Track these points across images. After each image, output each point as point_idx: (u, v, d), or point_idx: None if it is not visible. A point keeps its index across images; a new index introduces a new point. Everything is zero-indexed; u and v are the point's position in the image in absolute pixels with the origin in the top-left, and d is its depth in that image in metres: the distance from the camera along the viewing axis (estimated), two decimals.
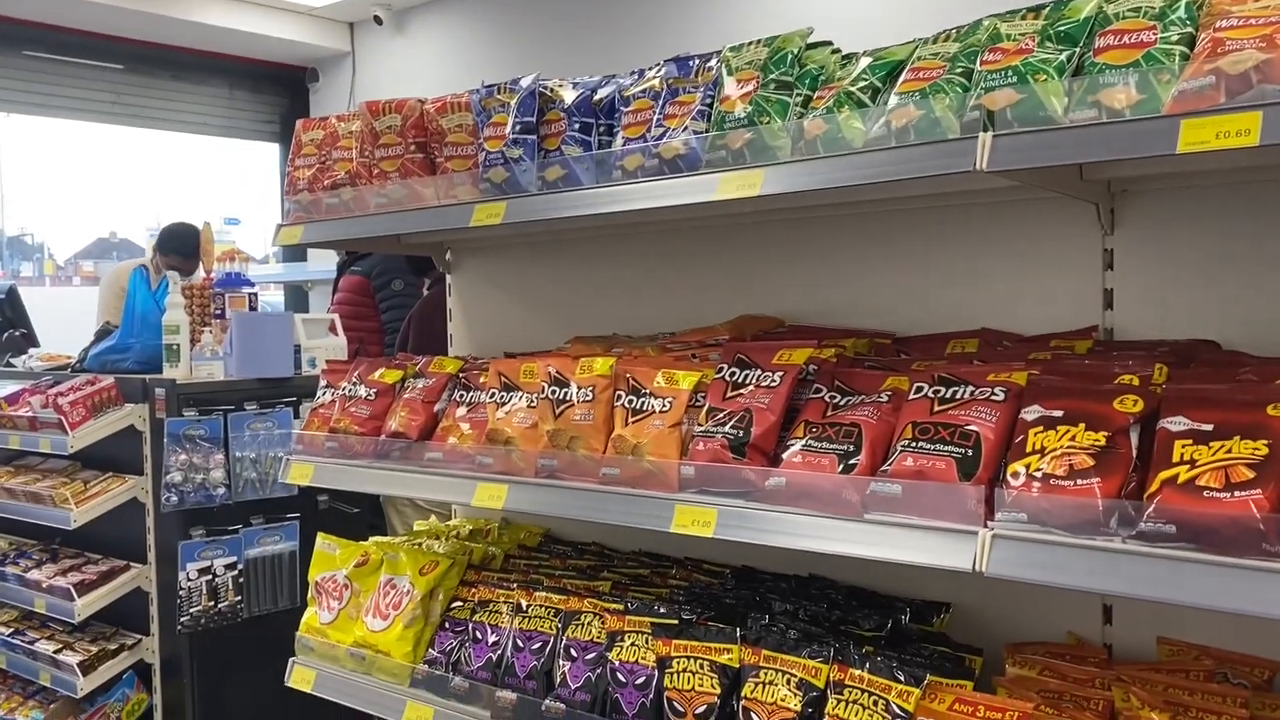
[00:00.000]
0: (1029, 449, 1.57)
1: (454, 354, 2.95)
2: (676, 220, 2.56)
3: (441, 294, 3.88)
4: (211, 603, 3.54)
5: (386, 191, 2.42)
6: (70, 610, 3.52)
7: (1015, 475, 1.56)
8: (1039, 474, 1.53)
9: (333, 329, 4.24)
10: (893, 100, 1.70)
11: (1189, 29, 1.48)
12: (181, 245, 5.85)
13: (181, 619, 3.47)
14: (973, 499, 1.56)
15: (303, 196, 2.62)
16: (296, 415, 3.74)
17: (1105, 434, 1.53)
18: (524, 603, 2.26)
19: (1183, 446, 1.46)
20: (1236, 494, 1.37)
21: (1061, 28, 1.58)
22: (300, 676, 2.53)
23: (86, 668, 3.56)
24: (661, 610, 2.04)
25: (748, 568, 2.40)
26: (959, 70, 1.66)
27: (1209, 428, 1.46)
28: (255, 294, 4.02)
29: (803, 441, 1.80)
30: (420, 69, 7.64)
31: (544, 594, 2.25)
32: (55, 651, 3.66)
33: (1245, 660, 1.81)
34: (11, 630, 3.90)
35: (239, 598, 3.61)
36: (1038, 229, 2.05)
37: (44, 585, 3.65)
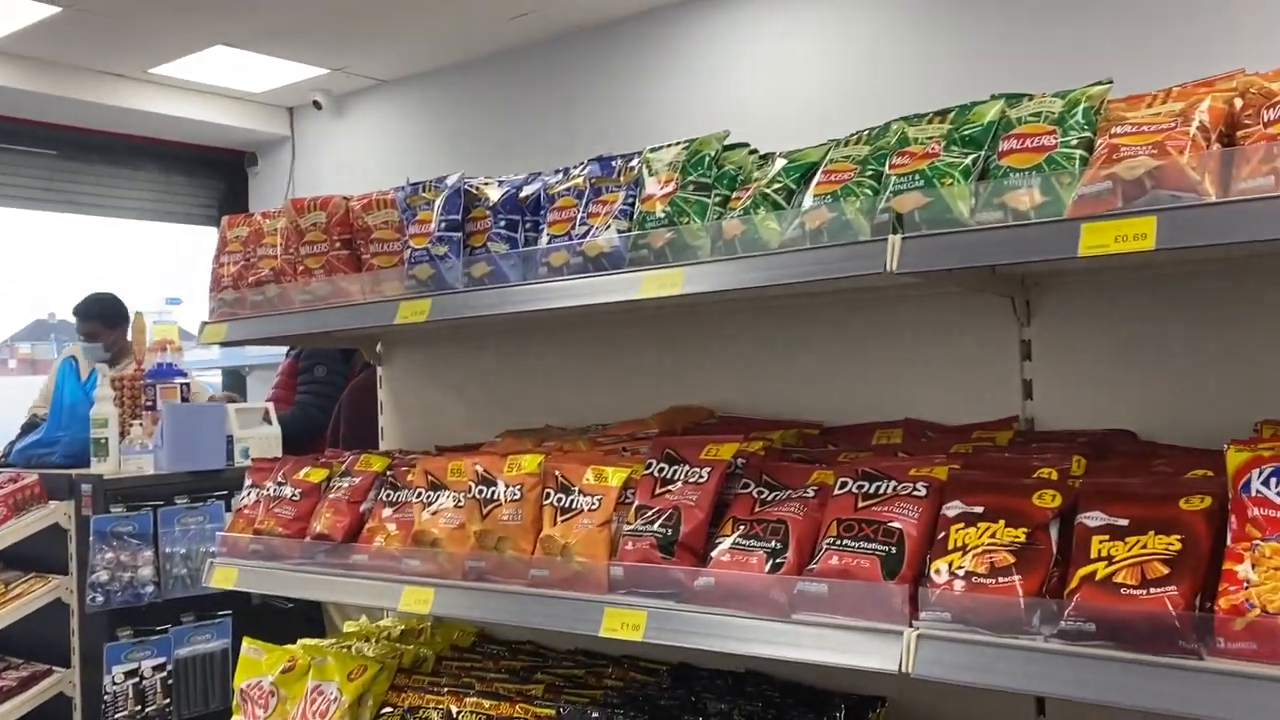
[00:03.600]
0: (951, 546, 1.57)
1: (385, 447, 2.91)
2: (607, 312, 2.56)
3: (370, 379, 3.86)
4: (139, 707, 3.42)
5: (311, 288, 2.40)
6: None
7: (938, 573, 1.55)
8: (961, 572, 1.53)
9: (266, 418, 4.18)
10: (807, 201, 1.73)
11: (1087, 133, 1.53)
12: (103, 310, 5.71)
13: None
14: (898, 598, 1.56)
15: (227, 293, 2.59)
16: (228, 508, 3.66)
17: (1025, 530, 1.54)
18: (454, 709, 2.20)
19: (1100, 542, 1.47)
20: (1152, 590, 1.38)
21: (966, 132, 1.62)
22: None
23: None
24: (595, 716, 2.00)
25: (684, 665, 2.36)
26: (869, 173, 1.69)
27: (1124, 522, 1.48)
28: (188, 384, 3.97)
29: (731, 539, 1.79)
30: (359, 153, 7.68)
31: (475, 699, 2.20)
32: None
33: None
34: None
35: (168, 700, 3.48)
36: (957, 321, 2.09)
37: None
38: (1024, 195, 1.51)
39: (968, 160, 1.59)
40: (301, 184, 7.80)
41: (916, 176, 1.60)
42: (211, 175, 8.57)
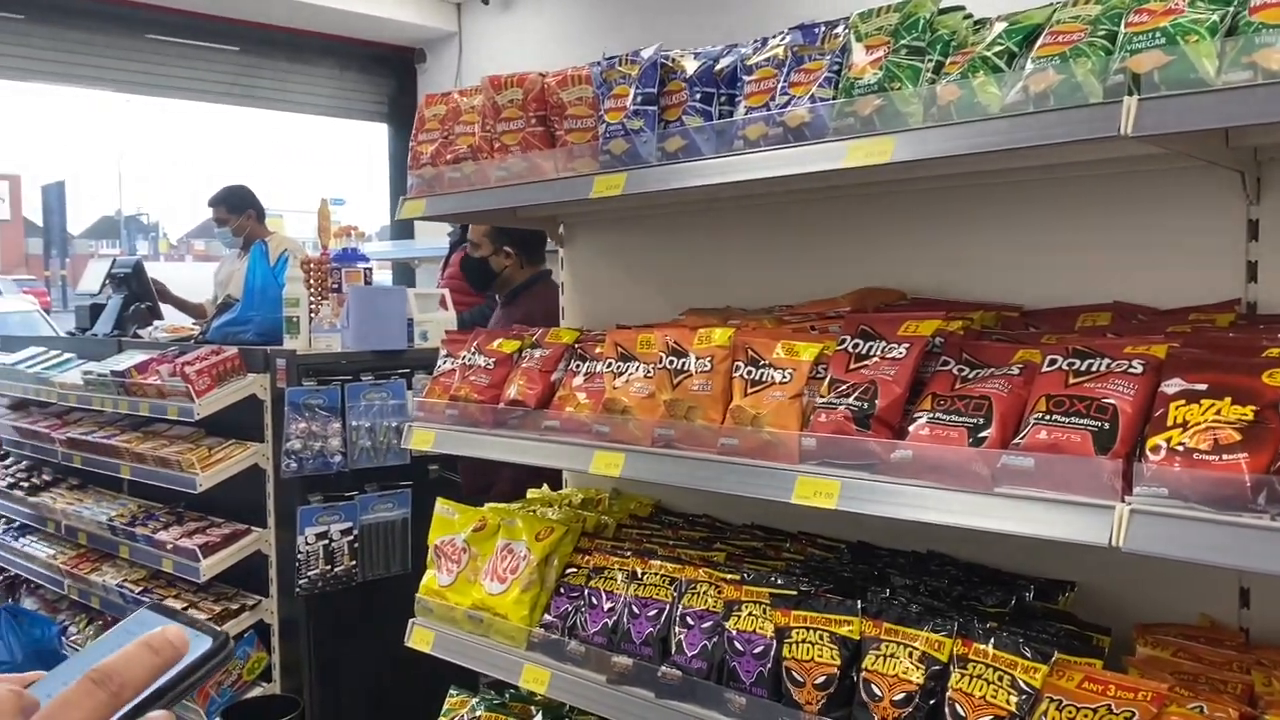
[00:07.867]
0: (1170, 423, 1.53)
1: (567, 326, 2.98)
2: (793, 192, 2.54)
3: None
4: (328, 566, 3.66)
5: (507, 165, 2.45)
6: (196, 570, 3.67)
7: (1155, 449, 1.51)
8: (1181, 448, 1.49)
9: (443, 304, 4.33)
10: (1030, 65, 1.65)
11: None
12: (227, 198, 6.39)
13: (299, 582, 3.60)
14: (1109, 472, 1.53)
15: (425, 171, 2.67)
16: (410, 387, 3.83)
17: (1253, 408, 1.48)
18: (639, 570, 2.28)
19: None
20: None
21: None
22: (420, 637, 2.59)
23: None
24: (779, 581, 2.04)
25: (864, 543, 2.38)
26: (1101, 33, 1.61)
27: None
28: (370, 269, 4.13)
29: (930, 414, 1.78)
30: (526, 48, 7.70)
31: (659, 562, 2.27)
32: (181, 610, 3.82)
33: None
34: (141, 589, 4.09)
35: (354, 562, 3.72)
36: (1176, 198, 1.98)
37: (171, 546, 3.81)
38: (1278, 53, 1.41)
39: (1214, 17, 1.49)
40: (468, 82, 7.90)
41: (1157, 34, 1.51)
42: (383, 72, 8.80)
